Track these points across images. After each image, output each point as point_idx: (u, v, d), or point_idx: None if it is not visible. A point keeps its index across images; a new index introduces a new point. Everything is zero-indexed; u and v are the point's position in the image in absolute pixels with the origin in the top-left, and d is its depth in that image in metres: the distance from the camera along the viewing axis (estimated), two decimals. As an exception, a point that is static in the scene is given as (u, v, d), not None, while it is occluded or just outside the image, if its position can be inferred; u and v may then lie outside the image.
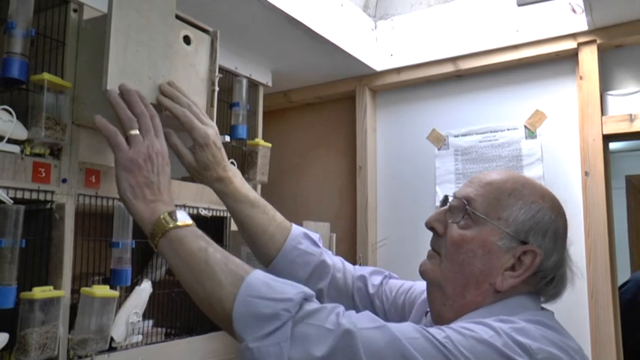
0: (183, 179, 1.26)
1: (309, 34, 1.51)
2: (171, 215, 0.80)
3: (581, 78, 1.52)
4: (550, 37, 1.55)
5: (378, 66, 1.84)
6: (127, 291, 1.12)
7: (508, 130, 1.66)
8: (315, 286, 0.99)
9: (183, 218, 0.80)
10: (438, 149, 1.78)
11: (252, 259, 1.45)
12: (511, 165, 1.63)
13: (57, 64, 1.00)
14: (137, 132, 0.85)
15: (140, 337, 1.12)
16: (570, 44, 1.53)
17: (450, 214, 0.82)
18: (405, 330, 0.67)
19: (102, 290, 0.98)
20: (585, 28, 1.50)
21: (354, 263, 1.10)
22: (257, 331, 0.67)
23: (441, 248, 0.81)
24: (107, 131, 0.85)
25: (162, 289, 1.25)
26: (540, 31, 1.56)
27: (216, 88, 1.11)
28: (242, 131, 1.44)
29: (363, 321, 0.68)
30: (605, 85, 1.53)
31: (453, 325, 0.70)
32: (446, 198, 0.86)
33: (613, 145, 1.57)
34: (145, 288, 1.12)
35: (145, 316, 1.14)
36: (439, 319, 0.80)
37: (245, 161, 1.50)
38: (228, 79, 1.48)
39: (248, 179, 1.31)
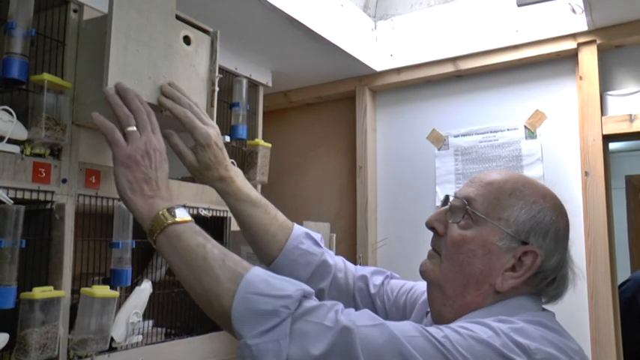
0: (183, 179, 1.26)
1: (309, 35, 1.51)
2: (170, 211, 0.80)
3: (581, 78, 1.52)
4: (550, 38, 1.55)
5: (378, 66, 1.84)
6: (127, 291, 1.12)
7: (508, 130, 1.66)
8: (316, 286, 0.99)
9: (181, 214, 0.80)
10: (438, 149, 1.78)
11: (252, 258, 1.45)
12: (511, 165, 1.63)
13: (57, 64, 1.00)
14: (134, 128, 0.86)
15: (140, 337, 1.12)
16: (570, 44, 1.53)
17: (450, 214, 0.82)
18: (404, 328, 0.67)
19: (102, 290, 0.98)
20: (585, 28, 1.50)
21: (354, 263, 1.10)
22: (256, 328, 0.67)
23: (442, 248, 0.81)
24: (105, 128, 0.85)
25: (162, 289, 1.25)
26: (540, 32, 1.56)
27: (216, 89, 1.11)
28: (242, 131, 1.44)
29: (361, 319, 0.68)
30: (605, 85, 1.53)
31: (451, 324, 0.70)
32: (447, 198, 0.85)
33: (613, 145, 1.57)
34: (145, 288, 1.12)
35: (145, 316, 1.14)
36: (439, 319, 0.79)
37: (245, 161, 1.50)
38: (228, 79, 1.48)
39: (248, 179, 1.31)
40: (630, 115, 1.44)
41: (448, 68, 1.73)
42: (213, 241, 0.78)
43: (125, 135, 0.85)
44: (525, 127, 1.64)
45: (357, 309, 0.96)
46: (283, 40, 1.54)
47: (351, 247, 1.86)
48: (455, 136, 1.75)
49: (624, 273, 2.08)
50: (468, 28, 1.69)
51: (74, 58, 1.01)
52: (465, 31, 1.69)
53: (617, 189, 2.82)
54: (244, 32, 1.47)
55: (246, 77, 1.55)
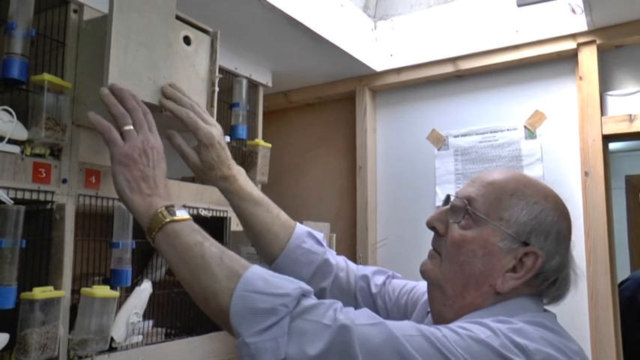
0: (183, 179, 1.26)
1: (309, 35, 1.51)
2: (168, 209, 0.80)
3: (580, 78, 1.52)
4: (550, 38, 1.56)
5: (377, 66, 1.84)
6: (127, 291, 1.12)
7: (508, 130, 1.66)
8: (318, 285, 0.99)
9: (180, 213, 0.80)
10: (438, 149, 1.78)
11: (252, 258, 1.45)
12: (511, 165, 1.63)
13: (57, 64, 1.00)
14: (131, 127, 0.86)
15: (140, 337, 1.12)
16: (570, 44, 1.53)
17: (451, 214, 0.81)
18: (404, 328, 0.67)
19: (102, 290, 0.98)
20: (585, 28, 1.50)
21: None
22: (254, 326, 0.66)
23: (442, 248, 0.81)
24: (101, 127, 0.86)
25: (162, 289, 1.25)
26: (540, 32, 1.56)
27: (216, 89, 1.11)
28: (242, 131, 1.44)
29: (360, 317, 0.68)
30: (605, 85, 1.53)
31: (450, 325, 0.69)
32: (448, 197, 0.85)
33: (612, 145, 1.57)
34: (145, 288, 1.12)
35: (145, 316, 1.14)
36: (439, 319, 0.79)
37: (245, 161, 1.50)
38: (228, 79, 1.48)
39: (248, 179, 1.32)
40: (630, 115, 1.44)
41: (448, 68, 1.73)
42: (212, 240, 0.78)
43: (122, 134, 0.85)
44: (525, 127, 1.64)
45: (358, 309, 0.96)
46: (283, 40, 1.54)
47: (351, 247, 1.86)
48: (455, 137, 1.75)
49: (624, 273, 2.07)
50: (468, 28, 1.69)
51: (74, 59, 1.02)
52: (465, 32, 1.69)
53: (617, 189, 2.82)
54: (244, 32, 1.47)
55: (246, 77, 1.55)
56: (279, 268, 0.98)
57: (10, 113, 0.90)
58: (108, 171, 1.06)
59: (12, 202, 0.89)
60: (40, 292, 0.90)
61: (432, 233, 0.85)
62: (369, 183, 1.87)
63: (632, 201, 3.57)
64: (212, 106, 1.11)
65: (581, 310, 1.43)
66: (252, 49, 1.58)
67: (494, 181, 0.80)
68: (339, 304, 0.70)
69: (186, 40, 1.07)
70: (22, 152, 0.92)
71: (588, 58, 1.51)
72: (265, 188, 1.53)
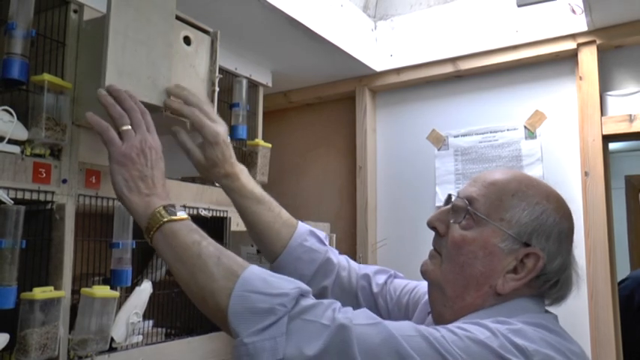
0: (183, 179, 1.26)
1: (309, 35, 1.51)
2: (167, 209, 0.80)
3: (580, 78, 1.52)
4: (550, 38, 1.56)
5: (377, 66, 1.84)
6: (127, 291, 1.12)
7: (508, 130, 1.66)
8: (319, 284, 0.99)
9: (178, 212, 0.81)
10: (438, 149, 1.78)
11: (252, 258, 1.45)
12: (511, 165, 1.63)
13: (57, 64, 1.00)
14: (129, 127, 0.86)
15: (140, 337, 1.12)
16: (570, 45, 1.53)
17: (452, 214, 0.81)
18: (402, 328, 0.66)
19: (102, 291, 0.98)
20: (585, 28, 1.50)
21: (354, 263, 1.10)
22: (252, 326, 0.66)
23: (443, 248, 0.80)
24: (99, 127, 0.86)
25: (162, 289, 1.25)
26: (540, 32, 1.56)
27: (217, 89, 1.11)
28: (242, 131, 1.44)
29: (359, 317, 0.68)
30: (605, 85, 1.53)
31: (449, 325, 0.69)
32: (449, 197, 0.84)
33: (612, 146, 1.57)
34: (145, 288, 1.12)
35: (145, 316, 1.14)
36: (440, 320, 0.79)
37: (245, 161, 1.50)
38: (228, 79, 1.48)
39: (248, 179, 1.31)
40: (630, 115, 1.44)
41: (448, 68, 1.73)
42: (209, 239, 0.78)
43: (120, 134, 0.85)
44: (525, 127, 1.64)
45: (359, 307, 0.96)
46: (283, 40, 1.54)
47: (351, 247, 1.86)
48: (455, 137, 1.75)
49: (624, 273, 2.07)
50: (468, 29, 1.69)
51: (74, 59, 1.02)
52: (464, 32, 1.69)
53: (616, 189, 2.83)
54: (244, 32, 1.47)
55: (246, 77, 1.55)
56: (281, 266, 0.98)
57: (10, 113, 0.90)
58: (108, 171, 1.06)
59: (12, 202, 0.89)
60: (40, 293, 0.90)
61: (432, 233, 0.85)
62: (369, 183, 1.87)
63: (632, 201, 3.57)
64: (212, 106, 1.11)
65: (581, 310, 1.43)
66: (252, 49, 1.58)
67: (496, 181, 0.79)
68: (338, 304, 0.70)
69: (187, 40, 1.07)
70: (22, 152, 0.92)
71: (588, 59, 1.51)
72: (265, 188, 1.51)
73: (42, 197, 0.95)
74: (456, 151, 1.74)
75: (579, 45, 1.52)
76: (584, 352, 0.72)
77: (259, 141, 1.52)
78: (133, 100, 0.89)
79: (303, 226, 1.02)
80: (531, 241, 0.75)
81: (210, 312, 0.73)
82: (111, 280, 1.04)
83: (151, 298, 1.13)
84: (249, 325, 0.67)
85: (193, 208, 1.27)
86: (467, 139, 1.73)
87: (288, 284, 0.71)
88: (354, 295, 1.00)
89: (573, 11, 1.50)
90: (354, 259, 1.10)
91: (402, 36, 1.81)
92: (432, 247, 0.85)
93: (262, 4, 1.31)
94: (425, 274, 0.83)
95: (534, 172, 1.58)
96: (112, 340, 1.03)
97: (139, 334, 1.12)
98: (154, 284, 1.17)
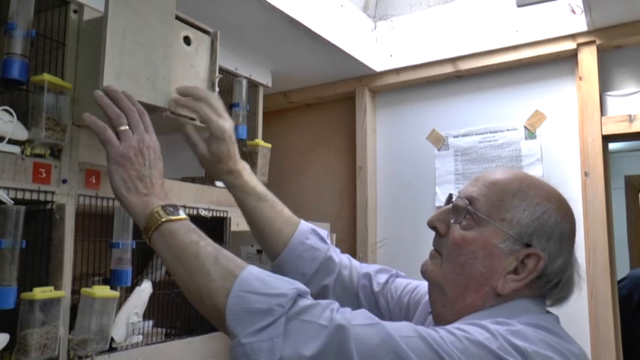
0: (183, 180, 1.26)
1: (309, 35, 1.51)
2: (165, 209, 0.80)
3: (580, 79, 1.52)
4: (549, 38, 1.56)
5: (377, 66, 1.84)
6: (127, 291, 1.12)
7: (508, 130, 1.66)
8: (320, 282, 0.99)
9: (176, 212, 0.80)
10: (438, 150, 1.78)
11: (252, 258, 1.45)
12: (511, 165, 1.63)
13: (57, 64, 1.00)
14: (126, 127, 0.86)
15: (140, 337, 1.12)
16: (570, 45, 1.53)
17: (452, 214, 0.80)
18: (401, 328, 0.66)
19: (102, 291, 0.98)
20: (585, 28, 1.50)
21: (355, 263, 1.09)
22: (249, 327, 0.66)
23: (443, 249, 0.80)
24: (96, 127, 0.86)
25: (162, 289, 1.25)
26: (540, 32, 1.57)
27: (217, 89, 1.11)
28: (242, 132, 1.44)
29: (357, 318, 0.67)
30: (605, 85, 1.53)
31: (448, 326, 0.69)
32: (450, 196, 0.84)
33: (612, 146, 1.58)
34: (145, 288, 1.12)
35: (145, 316, 1.14)
36: (440, 320, 0.79)
37: (245, 162, 1.50)
38: (228, 79, 1.48)
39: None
40: (630, 115, 1.44)
41: (448, 69, 1.73)
42: (208, 239, 0.78)
43: (118, 134, 0.85)
44: (525, 127, 1.64)
45: (360, 307, 0.95)
46: (283, 40, 1.54)
47: (351, 247, 1.86)
48: (454, 137, 1.75)
49: (624, 273, 2.07)
50: (468, 29, 1.69)
51: (74, 59, 1.02)
52: (464, 32, 1.69)
53: (616, 189, 2.83)
54: (244, 33, 1.47)
55: (246, 77, 1.55)
56: (282, 264, 0.98)
57: (11, 113, 0.90)
58: (107, 171, 1.06)
59: (12, 202, 0.89)
60: (40, 293, 0.90)
61: (431, 233, 0.84)
62: (369, 183, 1.87)
63: (632, 201, 3.57)
64: (212, 106, 1.11)
65: (581, 310, 1.43)
66: (252, 50, 1.58)
67: (497, 181, 0.79)
68: (336, 304, 0.70)
69: (186, 41, 1.07)
70: (22, 152, 0.92)
71: (588, 59, 1.51)
72: (265, 188, 1.53)
73: (42, 197, 0.96)
74: (456, 152, 1.74)
75: (579, 45, 1.52)
76: (584, 354, 0.71)
77: (259, 141, 1.52)
78: (130, 100, 0.89)
79: (305, 225, 1.02)
80: (532, 242, 0.74)
81: (208, 312, 0.73)
82: (111, 280, 1.04)
83: (151, 298, 1.13)
84: (246, 326, 0.66)
85: (193, 208, 1.27)
86: (467, 140, 1.73)
87: (285, 285, 0.70)
88: (355, 294, 1.00)
89: (573, 11, 1.50)
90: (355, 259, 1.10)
91: (401, 36, 1.81)
92: (432, 247, 0.84)
93: (262, 4, 1.31)
94: (425, 274, 0.82)
95: (534, 172, 1.58)
96: (112, 340, 1.03)
97: (139, 334, 1.12)
98: (154, 284, 1.17)
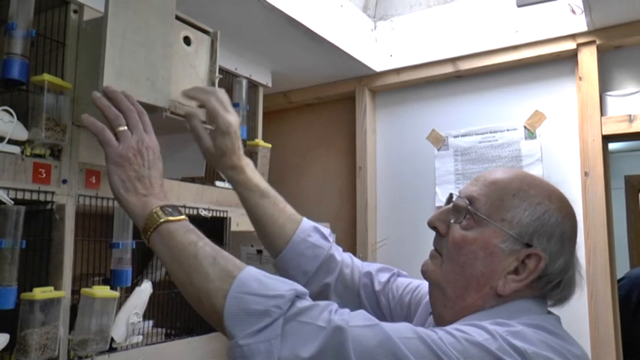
0: (183, 180, 1.26)
1: (309, 35, 1.51)
2: (164, 209, 0.80)
3: (580, 79, 1.52)
4: (549, 38, 1.56)
5: (377, 66, 1.84)
6: (127, 291, 1.12)
7: (508, 130, 1.66)
8: (322, 281, 0.98)
9: (175, 213, 0.80)
10: (438, 150, 1.78)
11: (253, 259, 1.45)
12: (511, 165, 1.63)
13: (57, 64, 1.00)
14: (125, 128, 0.86)
15: (140, 337, 1.12)
16: (570, 45, 1.53)
17: (452, 214, 0.80)
18: (400, 330, 0.66)
19: (102, 291, 0.98)
20: (585, 28, 1.50)
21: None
22: (247, 328, 0.66)
23: (443, 249, 0.79)
24: (95, 128, 0.85)
25: (162, 289, 1.25)
26: (540, 32, 1.57)
27: (217, 89, 1.11)
28: (242, 132, 1.44)
29: (355, 319, 0.67)
30: (605, 85, 1.53)
31: (447, 327, 0.68)
32: (450, 196, 0.83)
33: (612, 146, 1.58)
34: (145, 288, 1.12)
35: (145, 316, 1.14)
36: (440, 321, 0.78)
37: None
38: (228, 79, 1.48)
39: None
40: (630, 115, 1.44)
41: (448, 69, 1.73)
42: (206, 240, 0.77)
43: (117, 135, 0.85)
44: (525, 127, 1.64)
45: (361, 305, 0.94)
46: (283, 40, 1.54)
47: (351, 247, 1.86)
48: (454, 137, 1.75)
49: (623, 273, 2.08)
50: (468, 29, 1.69)
51: (74, 59, 1.02)
52: (464, 32, 1.69)
53: (616, 189, 2.82)
54: (244, 32, 1.47)
55: (246, 78, 1.55)
56: (284, 262, 0.98)
57: (11, 113, 0.90)
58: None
59: (12, 202, 0.89)
60: (40, 293, 0.90)
61: (431, 233, 0.84)
62: (369, 183, 1.87)
63: (632, 201, 3.57)
64: (212, 106, 1.11)
65: (581, 311, 1.43)
66: (252, 50, 1.58)
67: (497, 181, 0.78)
68: (335, 305, 0.70)
69: (186, 41, 1.07)
70: (22, 152, 0.92)
71: (588, 59, 1.51)
72: (265, 188, 1.53)
73: (42, 197, 0.96)
74: (456, 152, 1.74)
75: (579, 45, 1.52)
76: (586, 355, 0.71)
77: (259, 141, 1.52)
78: (130, 100, 0.89)
79: (307, 222, 1.02)
80: (533, 242, 0.74)
81: (206, 313, 0.73)
82: (111, 280, 1.05)
83: (150, 298, 1.14)
84: (244, 327, 0.66)
85: (193, 208, 1.27)
86: (467, 140, 1.73)
87: (283, 286, 0.70)
88: (357, 293, 1.00)
89: (573, 11, 1.50)
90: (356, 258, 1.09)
91: (401, 36, 1.81)
92: (432, 247, 0.84)
93: (262, 4, 1.31)
94: (425, 274, 0.82)
95: (534, 172, 1.58)
96: (112, 340, 1.03)
97: (139, 334, 1.12)
98: (154, 284, 1.17)
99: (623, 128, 1.45)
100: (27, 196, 0.93)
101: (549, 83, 1.62)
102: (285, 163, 2.09)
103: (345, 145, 1.98)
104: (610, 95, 1.50)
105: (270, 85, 1.73)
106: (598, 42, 1.50)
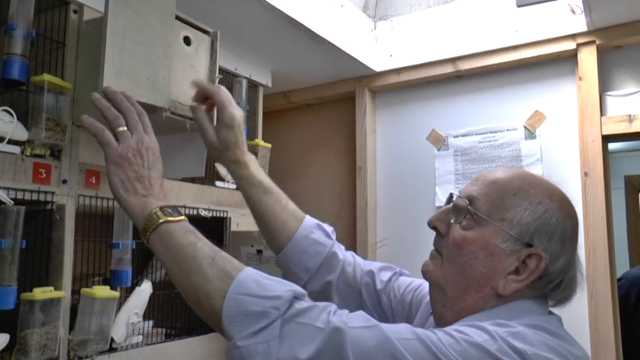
0: (183, 180, 1.26)
1: (309, 35, 1.51)
2: (163, 210, 0.79)
3: (580, 79, 1.52)
4: (549, 38, 1.56)
5: (377, 67, 1.84)
6: (128, 292, 1.12)
7: (507, 130, 1.66)
8: (324, 278, 0.98)
9: (175, 213, 0.80)
10: (438, 150, 1.78)
11: (253, 259, 1.45)
12: (510, 166, 1.63)
13: (57, 65, 1.00)
14: (125, 129, 0.86)
15: (140, 337, 1.12)
16: (570, 45, 1.53)
17: (452, 214, 0.79)
18: (399, 331, 0.65)
19: (102, 291, 0.98)
20: (584, 28, 1.50)
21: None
22: (245, 329, 0.66)
23: (443, 249, 0.79)
24: (94, 129, 0.85)
25: (162, 289, 1.25)
26: (540, 32, 1.57)
27: (217, 89, 1.11)
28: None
29: (354, 320, 0.67)
30: (605, 85, 1.53)
31: (447, 328, 0.68)
32: (451, 196, 0.83)
33: (612, 146, 1.57)
34: (145, 289, 1.12)
35: (145, 316, 1.14)
36: (440, 321, 0.78)
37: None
38: (228, 79, 1.48)
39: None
40: (629, 115, 1.44)
41: (448, 69, 1.73)
42: (205, 240, 0.77)
43: (116, 136, 0.85)
44: (525, 127, 1.64)
45: (363, 304, 0.94)
46: (283, 40, 1.54)
47: (351, 247, 1.84)
48: (454, 137, 1.75)
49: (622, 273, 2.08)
50: (468, 29, 1.69)
51: (74, 59, 1.02)
52: (464, 32, 1.69)
53: (616, 189, 2.83)
54: (244, 33, 1.47)
55: (246, 78, 1.55)
56: (286, 258, 0.98)
57: (10, 114, 0.90)
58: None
59: (12, 202, 0.89)
60: (40, 293, 0.90)
61: (431, 233, 0.83)
62: (369, 183, 1.87)
63: (631, 201, 3.57)
64: (212, 106, 1.11)
65: (580, 312, 1.43)
66: (252, 50, 1.58)
67: (497, 180, 0.78)
68: (334, 306, 0.69)
69: (186, 41, 1.07)
70: (22, 153, 0.92)
71: (588, 59, 1.51)
72: (265, 188, 1.53)
73: (42, 197, 0.96)
74: (456, 152, 1.74)
75: (579, 45, 1.52)
76: (587, 355, 0.71)
77: (259, 141, 1.52)
78: (129, 100, 0.89)
79: (310, 219, 1.02)
80: (533, 242, 0.73)
81: (205, 314, 0.73)
82: (111, 280, 1.05)
83: (150, 298, 1.14)
84: (242, 328, 0.66)
85: (193, 208, 1.27)
86: (467, 140, 1.73)
87: (281, 287, 0.70)
88: (359, 292, 0.99)
89: (573, 11, 1.50)
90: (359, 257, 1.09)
91: (401, 36, 1.81)
92: (432, 248, 0.83)
93: (262, 4, 1.31)
94: (425, 275, 0.82)
95: (534, 172, 1.58)
96: (112, 340, 1.03)
97: (139, 334, 1.12)
98: (154, 284, 1.17)
99: (623, 128, 1.45)
100: (27, 196, 0.93)
101: (549, 83, 1.62)
102: (285, 163, 2.09)
103: (345, 145, 1.98)
104: (610, 95, 1.50)
105: (270, 85, 1.73)
106: (598, 42, 1.50)
